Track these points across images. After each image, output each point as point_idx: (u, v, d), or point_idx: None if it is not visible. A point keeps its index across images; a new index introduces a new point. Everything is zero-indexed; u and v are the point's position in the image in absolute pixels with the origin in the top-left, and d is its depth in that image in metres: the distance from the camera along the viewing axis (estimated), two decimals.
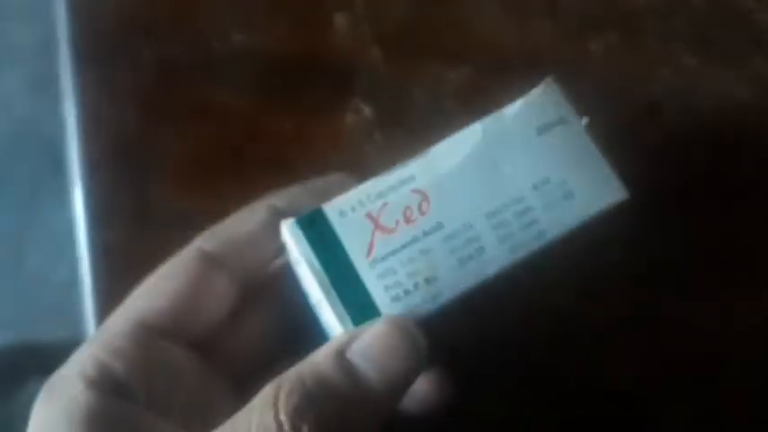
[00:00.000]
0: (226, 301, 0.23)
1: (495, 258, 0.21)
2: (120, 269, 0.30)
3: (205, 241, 0.23)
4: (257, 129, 0.31)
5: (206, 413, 0.21)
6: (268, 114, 0.31)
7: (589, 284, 0.28)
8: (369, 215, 0.21)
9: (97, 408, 0.20)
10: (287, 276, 0.24)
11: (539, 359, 0.28)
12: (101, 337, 0.22)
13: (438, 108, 0.31)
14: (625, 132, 0.30)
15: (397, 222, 0.21)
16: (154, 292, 0.23)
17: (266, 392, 0.19)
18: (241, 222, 0.24)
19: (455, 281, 0.21)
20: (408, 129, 0.31)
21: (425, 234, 0.21)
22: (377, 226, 0.21)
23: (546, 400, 0.28)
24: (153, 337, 0.22)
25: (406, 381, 0.20)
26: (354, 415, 0.19)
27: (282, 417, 0.18)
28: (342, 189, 0.22)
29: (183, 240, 0.29)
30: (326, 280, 0.21)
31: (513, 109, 0.23)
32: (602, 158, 0.22)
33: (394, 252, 0.21)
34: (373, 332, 0.20)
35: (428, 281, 0.21)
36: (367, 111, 0.31)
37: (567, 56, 0.32)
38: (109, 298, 0.29)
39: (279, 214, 0.23)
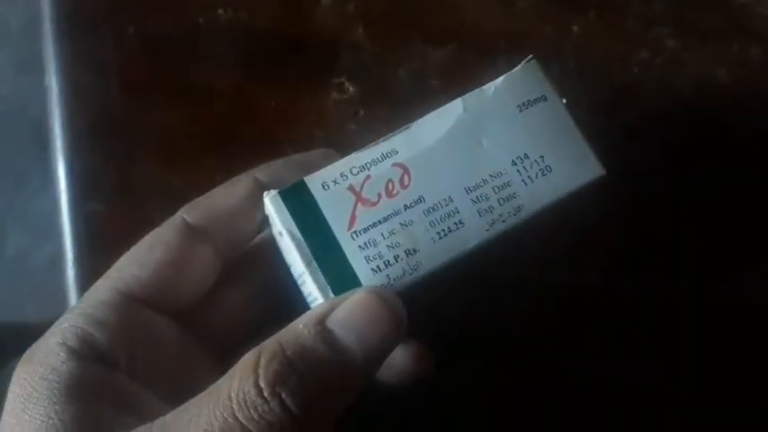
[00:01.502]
0: (209, 272, 0.24)
1: (475, 232, 0.21)
2: (102, 243, 0.30)
3: (188, 213, 0.24)
4: (242, 106, 0.32)
5: (188, 383, 0.21)
6: (253, 91, 0.31)
7: (565, 259, 0.28)
8: (351, 188, 0.21)
9: (78, 376, 0.20)
10: (270, 249, 0.24)
11: (518, 331, 0.28)
12: (82, 307, 0.22)
13: (422, 87, 0.31)
14: (606, 112, 0.31)
15: (379, 195, 0.21)
16: (137, 263, 0.23)
17: (247, 359, 0.19)
18: (225, 195, 0.24)
19: (435, 254, 0.21)
20: (392, 107, 0.31)
21: (407, 207, 0.21)
22: (359, 198, 0.21)
23: (524, 372, 0.28)
24: (135, 307, 0.22)
25: (385, 350, 0.20)
26: (333, 382, 0.19)
27: (262, 383, 0.18)
28: (325, 163, 0.22)
29: (167, 216, 0.30)
30: (308, 251, 0.21)
31: (495, 86, 0.23)
32: (581, 136, 0.23)
33: (375, 224, 0.21)
34: (353, 301, 0.20)
35: (408, 253, 0.21)
36: (351, 89, 0.31)
37: (550, 37, 0.32)
38: (91, 273, 0.30)
39: (262, 187, 0.23)
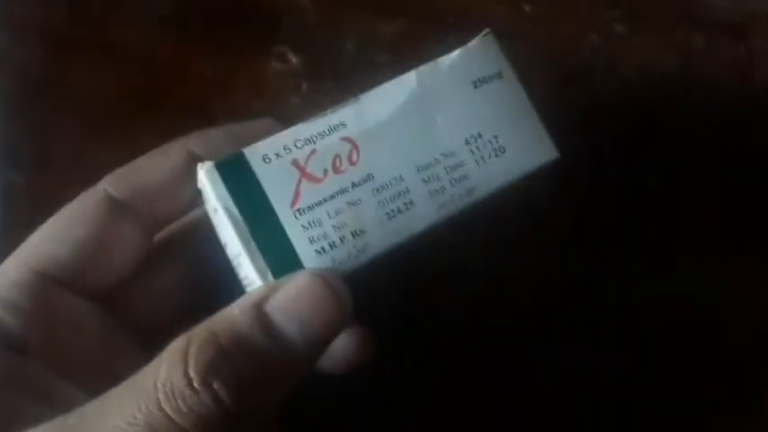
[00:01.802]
0: (134, 251, 0.22)
1: (425, 214, 0.20)
2: (18, 217, 0.28)
3: (112, 185, 0.22)
4: (173, 71, 0.30)
5: (111, 372, 0.20)
6: (186, 57, 0.30)
7: (513, 243, 0.28)
8: (295, 162, 0.20)
9: None
10: (202, 227, 0.22)
11: (467, 316, 0.27)
12: None
13: (368, 60, 0.30)
14: (555, 95, 0.30)
15: (325, 171, 0.20)
16: (54, 239, 0.21)
17: (174, 347, 0.17)
18: (153, 166, 0.22)
19: (383, 235, 0.20)
20: (337, 81, 0.30)
21: (354, 185, 0.20)
22: (303, 174, 0.20)
23: (468, 358, 0.27)
24: (51, 287, 0.20)
25: (328, 337, 0.19)
26: (270, 372, 0.18)
27: (192, 372, 0.17)
28: (266, 135, 0.20)
29: (93, 184, 0.28)
30: (246, 229, 0.19)
31: (450, 59, 0.22)
32: (537, 117, 0.22)
33: (320, 203, 0.20)
34: (294, 285, 0.18)
35: (355, 234, 0.20)
36: (294, 60, 0.30)
37: (501, 15, 0.31)
38: (5, 248, 0.28)
39: (195, 158, 0.21)
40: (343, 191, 0.20)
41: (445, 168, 0.21)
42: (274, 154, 0.20)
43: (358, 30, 0.30)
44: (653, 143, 0.30)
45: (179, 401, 0.17)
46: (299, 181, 0.20)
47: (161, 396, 0.17)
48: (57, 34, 0.30)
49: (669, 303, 0.28)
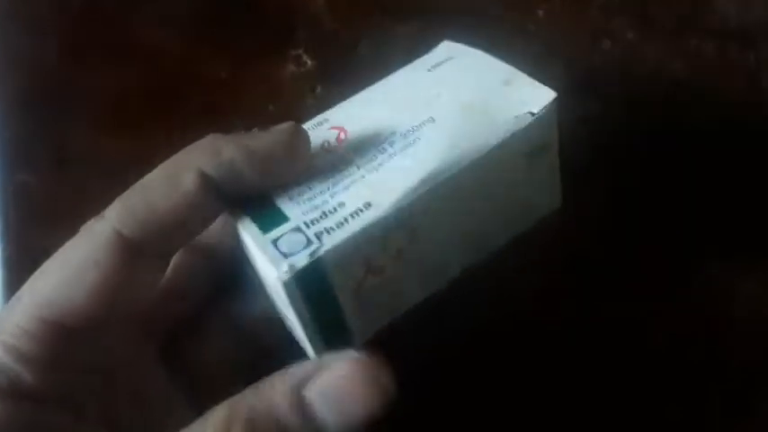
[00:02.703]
0: (148, 291, 0.21)
1: (421, 171, 0.21)
2: (33, 218, 0.28)
3: (123, 223, 0.20)
4: (189, 73, 0.30)
5: (135, 420, 0.20)
6: (201, 59, 0.30)
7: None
8: None
9: (4, 418, 0.18)
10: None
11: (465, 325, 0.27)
12: (0, 337, 0.19)
13: (383, 62, 0.30)
14: (565, 98, 0.30)
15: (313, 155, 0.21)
16: (65, 285, 0.19)
17: (218, 421, 0.17)
18: (163, 195, 0.20)
19: (380, 198, 0.20)
20: (352, 84, 0.29)
21: (342, 158, 0.21)
22: None
23: (472, 366, 0.27)
24: (66, 335, 0.19)
25: (366, 421, 0.18)
26: None
27: None
28: (276, 144, 0.20)
29: (104, 189, 0.28)
30: (241, 210, 0.20)
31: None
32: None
33: (309, 177, 0.21)
34: (336, 373, 0.18)
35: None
36: (309, 62, 0.30)
37: (516, 19, 0.31)
38: (20, 249, 0.27)
39: (206, 181, 0.20)
40: (331, 164, 0.21)
41: (430, 129, 0.21)
42: None
43: (372, 32, 0.30)
44: (662, 149, 0.30)
45: None
46: None
47: None
48: (71, 35, 0.30)
49: (673, 313, 0.28)
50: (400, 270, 0.21)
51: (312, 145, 0.21)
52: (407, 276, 0.21)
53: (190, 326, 0.22)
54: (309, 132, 0.21)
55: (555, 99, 0.22)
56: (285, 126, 0.21)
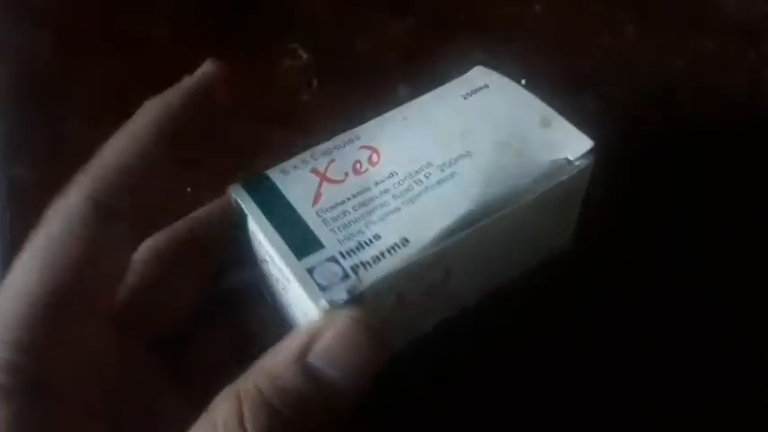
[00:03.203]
0: (124, 261, 0.20)
1: (453, 209, 0.20)
2: (29, 213, 0.28)
3: (92, 188, 0.19)
4: (183, 64, 0.29)
5: (135, 405, 0.20)
6: (198, 52, 0.29)
7: None
8: (314, 170, 0.21)
9: (10, 417, 0.17)
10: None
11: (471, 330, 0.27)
12: None
13: (379, 58, 0.30)
14: (563, 95, 0.30)
15: (345, 174, 0.21)
16: (44, 264, 0.19)
17: (226, 410, 0.17)
18: (128, 156, 0.20)
19: (410, 229, 0.20)
20: (347, 78, 0.30)
21: (377, 183, 0.20)
22: (323, 178, 0.20)
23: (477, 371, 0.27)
24: (64, 319, 0.19)
25: (370, 374, 0.18)
26: (319, 417, 0.18)
27: None
28: (214, 80, 0.21)
29: None
30: (273, 230, 0.20)
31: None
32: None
33: (343, 201, 0.20)
34: (334, 333, 0.18)
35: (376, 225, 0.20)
36: (305, 56, 0.29)
37: (513, 14, 0.31)
38: (16, 245, 0.27)
39: (164, 137, 0.20)
40: (366, 189, 0.20)
41: (466, 164, 0.21)
42: (292, 167, 0.21)
43: (369, 27, 0.30)
44: (662, 145, 0.30)
45: None
46: (320, 184, 0.20)
47: None
48: (67, 28, 0.29)
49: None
50: (428, 304, 0.21)
51: (343, 163, 0.21)
52: (432, 308, 0.21)
53: (185, 325, 0.22)
54: (339, 150, 0.21)
55: (592, 148, 0.21)
56: (207, 62, 0.22)
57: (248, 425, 0.16)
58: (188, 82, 0.21)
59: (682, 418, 0.24)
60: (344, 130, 0.22)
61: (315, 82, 0.29)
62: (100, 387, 0.19)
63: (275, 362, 0.18)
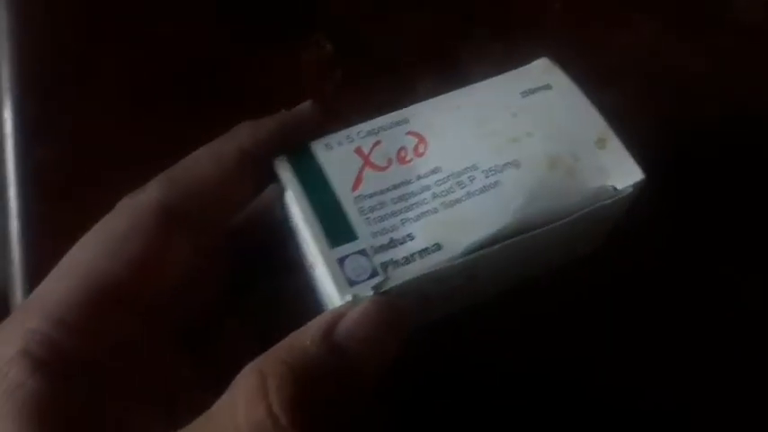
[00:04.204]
0: (187, 262, 0.21)
1: (493, 218, 0.20)
2: (52, 193, 0.28)
3: (165, 193, 0.20)
4: (210, 57, 0.30)
5: (167, 392, 0.20)
6: (222, 43, 0.30)
7: None
8: (358, 150, 0.20)
9: (51, 396, 0.17)
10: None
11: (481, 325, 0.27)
12: (43, 307, 0.19)
13: (400, 51, 0.30)
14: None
15: (389, 161, 0.20)
16: (107, 255, 0.19)
17: (249, 384, 0.17)
18: (206, 170, 0.21)
19: (446, 234, 0.20)
20: (370, 69, 0.30)
21: (419, 177, 0.20)
22: (366, 161, 0.20)
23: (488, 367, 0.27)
24: (108, 306, 0.19)
25: (393, 353, 0.19)
26: (345, 395, 0.18)
27: (277, 410, 0.16)
28: (309, 122, 0.21)
29: (121, 168, 0.28)
30: (311, 212, 0.20)
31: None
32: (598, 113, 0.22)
33: (383, 191, 0.20)
34: (359, 311, 0.18)
35: (414, 224, 0.20)
36: (329, 47, 0.30)
37: (533, 10, 0.31)
38: (38, 227, 0.27)
39: (246, 157, 0.20)
40: (407, 181, 0.20)
41: (513, 175, 0.20)
42: (337, 143, 0.20)
43: (390, 18, 0.30)
44: (679, 144, 0.30)
45: None
46: (362, 167, 0.20)
47: None
48: (91, 17, 0.30)
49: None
50: (449, 303, 0.21)
51: (389, 148, 0.21)
52: (452, 303, 0.21)
53: (213, 314, 0.22)
54: (386, 131, 0.21)
55: (641, 181, 0.21)
56: (307, 104, 0.22)
57: (272, 398, 0.16)
58: (283, 115, 0.22)
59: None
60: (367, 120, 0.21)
61: (339, 73, 0.30)
62: (136, 374, 0.19)
63: (301, 338, 0.18)
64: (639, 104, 0.31)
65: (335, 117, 0.22)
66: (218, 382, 0.20)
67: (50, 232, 0.27)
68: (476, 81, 0.30)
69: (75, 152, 0.28)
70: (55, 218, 0.28)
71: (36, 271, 0.27)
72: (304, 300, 0.23)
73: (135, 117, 0.29)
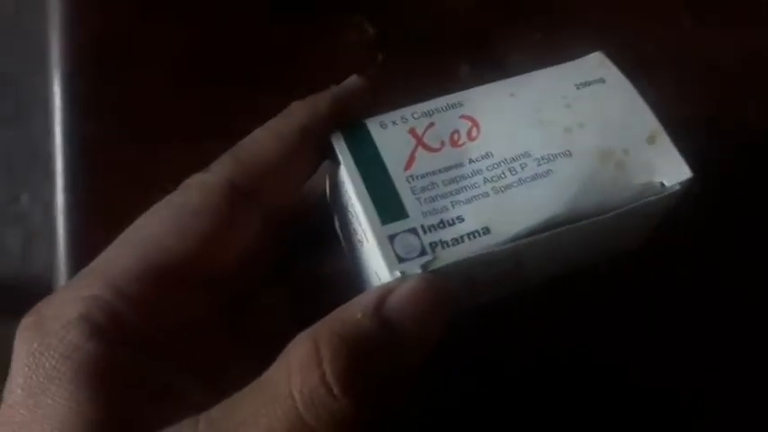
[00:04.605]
0: (255, 241, 0.21)
1: (544, 204, 0.20)
2: (100, 167, 0.28)
3: (233, 173, 0.20)
4: (251, 40, 0.30)
5: (221, 367, 0.20)
6: (263, 26, 0.30)
7: None
8: (412, 131, 0.21)
9: (106, 359, 0.18)
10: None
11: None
12: (106, 275, 0.19)
13: (443, 34, 0.30)
14: None
15: (442, 143, 0.21)
16: (177, 231, 0.20)
17: (303, 352, 0.17)
18: (270, 148, 0.21)
19: (494, 217, 0.20)
20: (412, 55, 0.30)
21: (471, 161, 0.21)
22: (419, 142, 0.21)
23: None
24: (170, 283, 0.19)
25: (440, 332, 0.19)
26: (395, 370, 0.18)
27: (331, 379, 0.17)
28: (361, 95, 0.22)
29: (168, 144, 0.28)
30: (363, 187, 0.20)
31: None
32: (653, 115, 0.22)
33: (435, 172, 0.20)
34: (407, 288, 0.18)
35: (464, 206, 0.20)
36: (370, 30, 0.30)
37: (573, 3, 0.32)
38: (84, 201, 0.28)
39: (307, 134, 0.21)
40: (459, 164, 0.21)
41: (564, 165, 0.21)
42: (391, 122, 0.21)
43: (433, 4, 0.31)
44: (715, 137, 0.30)
45: (319, 410, 0.16)
46: (415, 147, 0.21)
47: (300, 406, 0.17)
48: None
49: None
50: (492, 288, 0.21)
51: (442, 130, 0.21)
52: (498, 288, 0.22)
53: (255, 287, 0.22)
54: (440, 114, 0.21)
55: (690, 179, 0.21)
56: (353, 78, 0.23)
57: (326, 366, 0.17)
58: (335, 91, 0.22)
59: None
60: (408, 105, 0.22)
61: (380, 57, 0.30)
62: (186, 346, 0.20)
63: (351, 311, 0.18)
64: (673, 98, 0.31)
65: (381, 96, 0.23)
66: (255, 354, 0.20)
67: (97, 207, 0.28)
68: (513, 68, 0.30)
69: (123, 128, 0.29)
70: (101, 192, 0.28)
71: (81, 244, 0.28)
72: (343, 277, 0.23)
73: (181, 95, 0.29)
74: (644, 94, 0.24)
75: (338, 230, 0.23)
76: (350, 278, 0.23)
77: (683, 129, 0.29)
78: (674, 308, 0.27)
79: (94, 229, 0.28)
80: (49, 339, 0.18)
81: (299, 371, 0.17)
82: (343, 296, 0.22)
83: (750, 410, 0.26)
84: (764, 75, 0.31)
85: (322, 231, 0.24)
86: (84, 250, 0.28)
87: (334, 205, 0.23)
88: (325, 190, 0.23)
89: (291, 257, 0.23)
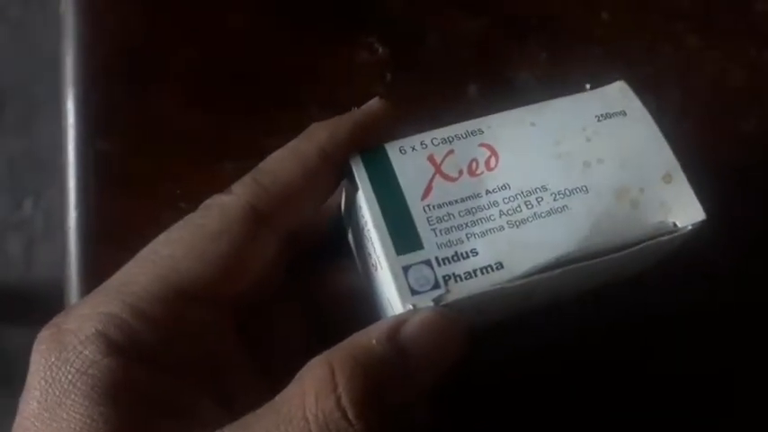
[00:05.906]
0: (273, 263, 0.21)
1: (558, 241, 0.20)
2: (111, 187, 0.29)
3: (254, 196, 0.21)
4: (262, 58, 0.30)
5: (234, 386, 0.20)
6: (275, 44, 0.30)
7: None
8: (431, 158, 0.21)
9: (121, 376, 0.18)
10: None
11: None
12: (124, 294, 0.19)
13: (452, 54, 0.31)
14: None
15: (460, 172, 0.21)
16: (197, 254, 0.20)
17: (319, 375, 0.17)
18: (289, 171, 0.21)
19: (510, 253, 0.20)
20: (421, 74, 0.30)
21: (488, 192, 0.21)
22: (438, 170, 0.21)
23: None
24: (187, 303, 0.20)
25: (451, 362, 0.19)
26: (408, 396, 0.18)
27: (346, 403, 0.17)
28: (382, 119, 0.22)
29: (180, 162, 0.28)
30: (379, 214, 0.20)
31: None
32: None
33: (452, 202, 0.20)
34: (420, 319, 0.19)
35: (479, 239, 0.20)
36: (380, 50, 0.30)
37: (581, 20, 0.32)
38: (96, 217, 0.28)
39: (326, 158, 0.21)
40: (476, 195, 0.20)
41: (580, 201, 0.21)
42: (411, 147, 0.21)
43: (443, 24, 0.31)
44: (722, 157, 0.30)
45: None
46: (433, 176, 0.21)
47: (314, 428, 0.17)
48: (157, 12, 0.30)
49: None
50: (498, 314, 0.22)
51: (461, 158, 0.21)
52: (501, 315, 0.22)
53: (268, 302, 0.23)
54: (460, 141, 0.21)
55: (703, 221, 0.21)
56: (375, 100, 0.23)
57: (341, 391, 0.17)
58: (356, 114, 0.22)
59: None
60: (416, 125, 0.22)
61: (389, 75, 0.30)
62: (201, 363, 0.20)
63: (368, 337, 0.18)
64: (679, 115, 0.31)
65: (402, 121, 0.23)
66: (270, 372, 0.21)
67: (108, 224, 0.28)
68: (521, 87, 0.31)
69: (137, 145, 0.29)
70: (113, 209, 0.28)
71: (93, 261, 0.28)
72: (357, 293, 0.23)
73: (196, 112, 0.30)
74: (652, 112, 0.25)
75: (352, 245, 0.24)
76: (363, 294, 0.23)
77: (687, 136, 0.30)
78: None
79: (106, 246, 0.28)
80: (67, 354, 0.18)
81: (314, 394, 0.17)
82: (358, 312, 0.23)
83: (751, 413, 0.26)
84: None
85: (336, 245, 0.24)
86: (95, 267, 0.28)
87: (348, 220, 0.23)
88: (339, 204, 0.23)
89: (305, 272, 0.24)
